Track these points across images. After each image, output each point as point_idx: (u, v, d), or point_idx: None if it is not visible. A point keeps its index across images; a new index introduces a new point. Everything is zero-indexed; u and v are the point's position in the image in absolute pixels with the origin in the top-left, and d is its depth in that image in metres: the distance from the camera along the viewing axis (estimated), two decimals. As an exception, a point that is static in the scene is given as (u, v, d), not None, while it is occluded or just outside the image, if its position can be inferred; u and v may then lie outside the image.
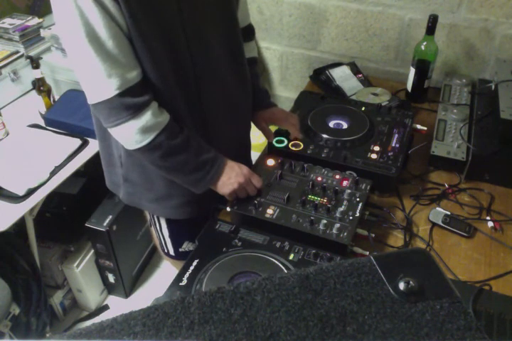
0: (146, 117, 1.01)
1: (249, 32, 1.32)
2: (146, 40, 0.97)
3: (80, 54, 0.94)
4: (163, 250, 1.47)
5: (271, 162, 1.29)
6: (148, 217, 1.43)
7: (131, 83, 0.98)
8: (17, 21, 1.98)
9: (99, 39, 0.92)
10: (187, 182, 1.16)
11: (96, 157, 1.51)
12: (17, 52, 1.93)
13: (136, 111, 1.00)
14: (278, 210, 1.14)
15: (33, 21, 2.00)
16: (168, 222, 1.36)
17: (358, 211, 1.14)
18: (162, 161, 1.09)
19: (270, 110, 1.37)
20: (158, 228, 1.40)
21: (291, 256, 1.05)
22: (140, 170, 1.20)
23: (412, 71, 1.64)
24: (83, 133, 1.74)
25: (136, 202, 1.31)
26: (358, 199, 1.17)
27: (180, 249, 1.42)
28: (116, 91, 0.97)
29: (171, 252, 1.45)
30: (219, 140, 1.21)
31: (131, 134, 1.03)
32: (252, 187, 1.17)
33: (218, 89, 1.16)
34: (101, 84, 0.97)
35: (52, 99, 1.86)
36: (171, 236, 1.40)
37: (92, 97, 1.00)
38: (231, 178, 1.14)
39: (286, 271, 1.00)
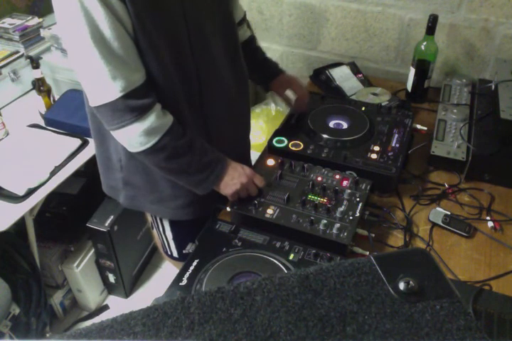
0: (151, 119, 1.00)
1: (244, 18, 1.35)
2: (152, 40, 0.96)
3: (84, 55, 0.93)
4: (166, 252, 1.47)
5: (271, 162, 1.29)
6: (150, 219, 1.42)
7: (135, 85, 0.97)
8: (17, 21, 1.98)
9: (104, 40, 0.91)
10: (190, 184, 1.15)
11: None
12: (17, 52, 1.93)
13: (140, 113, 0.99)
14: (278, 210, 1.14)
15: (33, 21, 2.00)
16: (172, 224, 1.35)
17: (358, 211, 1.14)
18: (166, 163, 1.08)
19: (283, 76, 1.42)
20: (161, 230, 1.39)
21: (291, 256, 1.05)
22: (143, 173, 1.19)
23: (412, 71, 1.64)
24: (83, 133, 1.73)
25: (137, 205, 1.30)
26: (358, 199, 1.17)
27: (184, 251, 1.42)
28: (121, 94, 0.95)
29: (175, 254, 1.44)
30: (219, 140, 1.21)
31: (135, 136, 1.02)
32: (254, 187, 1.17)
33: (218, 89, 1.16)
34: (105, 86, 0.95)
35: (52, 99, 1.85)
36: (174, 238, 1.39)
37: (96, 99, 0.98)
38: (234, 179, 1.14)
39: (286, 271, 1.00)
